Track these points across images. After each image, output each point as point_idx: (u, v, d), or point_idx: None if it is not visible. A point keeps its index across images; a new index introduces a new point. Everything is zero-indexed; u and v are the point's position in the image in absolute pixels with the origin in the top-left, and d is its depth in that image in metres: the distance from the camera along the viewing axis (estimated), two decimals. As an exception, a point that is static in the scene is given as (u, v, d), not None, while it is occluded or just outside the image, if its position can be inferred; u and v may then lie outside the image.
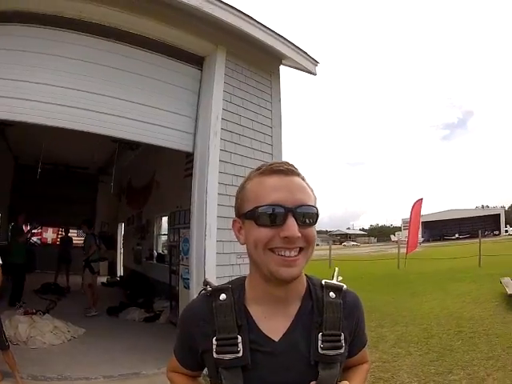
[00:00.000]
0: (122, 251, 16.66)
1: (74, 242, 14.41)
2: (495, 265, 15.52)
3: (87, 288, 9.47)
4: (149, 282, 11.56)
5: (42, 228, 15.21)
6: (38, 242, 16.14)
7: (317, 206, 1.19)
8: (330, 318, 1.22)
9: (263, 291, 1.21)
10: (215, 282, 4.54)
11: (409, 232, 23.76)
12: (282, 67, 7.48)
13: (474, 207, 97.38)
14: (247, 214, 1.16)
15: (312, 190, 1.21)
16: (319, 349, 1.17)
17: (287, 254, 1.10)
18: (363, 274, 16.51)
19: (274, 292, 1.19)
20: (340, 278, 1.38)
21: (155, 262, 11.82)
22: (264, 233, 1.10)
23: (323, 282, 1.31)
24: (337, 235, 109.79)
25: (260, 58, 6.94)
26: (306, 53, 7.26)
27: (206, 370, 1.32)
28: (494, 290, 10.41)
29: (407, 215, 26.49)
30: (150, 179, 12.30)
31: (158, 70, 5.98)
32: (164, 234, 12.18)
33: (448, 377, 5.30)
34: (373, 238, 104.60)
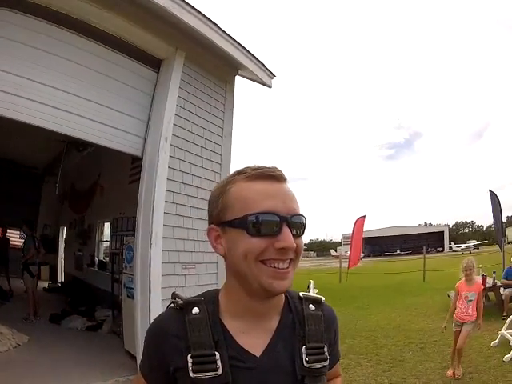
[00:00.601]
0: (63, 256, 16.07)
1: (12, 243, 13.90)
2: (439, 279, 16.04)
3: (30, 293, 9.11)
4: (90, 289, 11.24)
5: None
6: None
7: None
8: (313, 331, 1.16)
9: (243, 305, 1.12)
10: (160, 293, 4.37)
11: (351, 247, 24.35)
12: (238, 78, 7.48)
13: (416, 224, 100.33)
14: (234, 222, 1.05)
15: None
16: (304, 362, 1.10)
17: (280, 265, 1.03)
18: (304, 289, 16.64)
19: (255, 306, 1.11)
20: (316, 290, 1.32)
21: (97, 269, 11.48)
22: (257, 243, 1.01)
23: (301, 295, 1.25)
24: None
25: (217, 66, 6.91)
26: (263, 64, 7.29)
27: None
28: (441, 303, 10.74)
29: (347, 231, 27.17)
30: (94, 183, 11.95)
31: (114, 68, 5.77)
32: (106, 241, 11.87)
33: None
34: (312, 253, 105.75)
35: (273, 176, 1.07)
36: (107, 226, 11.52)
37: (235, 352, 1.07)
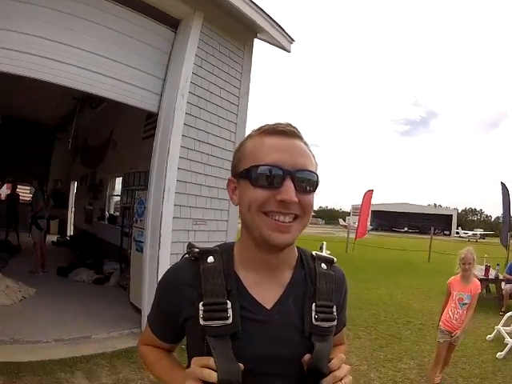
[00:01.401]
0: (73, 210, 16.36)
1: (22, 198, 14.07)
2: (444, 262, 16.09)
3: (37, 247, 9.24)
4: (99, 242, 11.42)
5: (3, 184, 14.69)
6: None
7: (317, 173, 1.13)
8: (324, 289, 1.17)
9: (254, 257, 1.15)
10: (169, 247, 4.49)
11: (359, 219, 24.37)
12: (256, 41, 7.42)
13: (425, 204, 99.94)
14: (242, 173, 1.10)
15: (314, 157, 1.15)
16: (313, 320, 1.12)
17: (281, 219, 1.05)
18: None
19: (266, 258, 1.14)
20: (328, 252, 1.38)
21: (106, 222, 11.63)
22: (259, 194, 1.05)
23: (314, 254, 1.27)
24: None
25: (236, 28, 6.86)
26: (282, 28, 7.21)
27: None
28: (443, 286, 10.70)
29: (357, 201, 27.10)
30: (107, 138, 12.00)
31: (132, 26, 5.75)
32: (117, 195, 11.97)
33: (398, 364, 5.49)
34: (321, 220, 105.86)
35: (284, 131, 1.09)
36: (119, 180, 11.62)
37: (247, 303, 1.10)
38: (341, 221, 71.05)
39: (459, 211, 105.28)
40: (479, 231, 64.03)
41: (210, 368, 0.97)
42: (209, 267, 1.11)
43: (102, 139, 12.47)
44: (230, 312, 1.05)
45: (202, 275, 1.10)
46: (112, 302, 7.19)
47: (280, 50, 7.64)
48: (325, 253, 1.32)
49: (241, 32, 7.01)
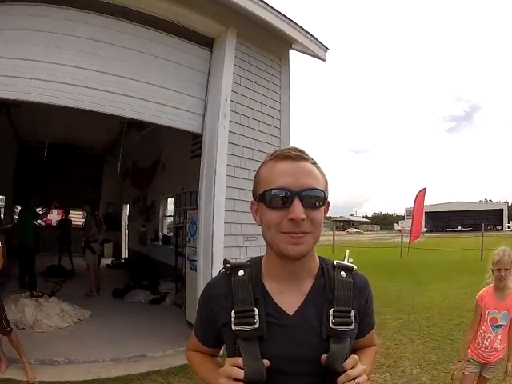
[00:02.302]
0: (126, 233, 16.67)
1: (74, 223, 14.43)
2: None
3: (92, 270, 9.45)
4: (154, 263, 11.60)
5: (49, 209, 15.29)
6: (43, 223, 16.07)
7: (326, 189, 1.26)
8: (341, 295, 1.27)
9: (278, 268, 1.26)
10: (222, 264, 4.57)
11: (412, 221, 23.83)
12: (291, 52, 7.45)
13: (477, 201, 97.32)
14: (259, 197, 1.23)
15: (323, 174, 1.27)
16: (330, 324, 1.22)
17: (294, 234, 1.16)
18: (366, 261, 16.59)
19: (287, 268, 1.25)
20: (351, 260, 1.43)
21: (160, 243, 11.81)
22: (274, 215, 1.17)
23: (335, 263, 1.36)
24: (340, 221, 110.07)
25: (270, 42, 6.90)
26: (315, 38, 7.22)
27: (223, 350, 1.38)
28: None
29: (410, 204, 26.56)
30: (156, 160, 12.25)
31: (168, 50, 5.94)
32: (169, 216, 12.21)
33: (449, 366, 5.31)
34: (376, 226, 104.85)
35: (290, 156, 1.21)
36: (170, 201, 11.87)
37: (271, 309, 1.23)
38: (395, 225, 70.07)
39: (509, 204, 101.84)
40: (531, 223, 61.84)
41: (238, 366, 1.12)
42: (239, 280, 1.27)
43: (150, 161, 12.73)
44: (257, 318, 1.20)
45: (233, 287, 1.26)
46: (168, 320, 7.29)
47: (315, 59, 7.63)
48: (347, 261, 1.42)
49: (275, 45, 7.05)
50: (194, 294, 6.28)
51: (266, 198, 1.19)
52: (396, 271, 14.66)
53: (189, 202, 9.27)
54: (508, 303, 3.48)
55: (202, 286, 5.83)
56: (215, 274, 4.88)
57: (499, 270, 3.46)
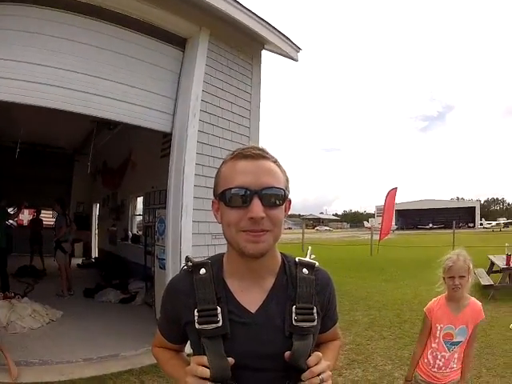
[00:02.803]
0: (96, 232, 16.53)
1: (45, 223, 14.26)
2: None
3: (63, 270, 9.36)
4: (124, 263, 11.54)
5: (20, 209, 15.07)
6: (15, 223, 15.81)
7: (287, 187, 1.27)
8: (303, 293, 1.28)
9: (239, 266, 1.28)
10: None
11: (382, 219, 24.14)
12: (263, 52, 7.49)
13: (449, 198, 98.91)
14: (219, 196, 1.24)
15: (284, 172, 1.28)
16: (293, 321, 1.24)
17: (253, 232, 1.17)
18: (337, 259, 16.72)
19: (248, 266, 1.26)
20: (313, 256, 1.45)
21: (130, 242, 11.77)
22: (234, 214, 1.18)
23: (297, 260, 1.38)
24: (310, 219, 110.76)
25: (242, 42, 6.94)
26: (288, 38, 7.28)
27: (188, 348, 1.41)
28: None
29: (381, 202, 26.91)
30: (126, 159, 12.17)
31: (140, 49, 5.91)
32: (139, 215, 12.13)
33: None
34: (346, 224, 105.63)
35: (250, 155, 1.22)
36: (140, 200, 11.78)
37: (234, 307, 1.25)
38: (365, 223, 70.68)
39: (482, 202, 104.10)
40: (502, 220, 63.06)
41: (203, 365, 1.14)
42: (201, 278, 1.28)
43: (121, 160, 12.64)
44: (219, 316, 1.21)
45: (195, 285, 1.27)
46: (139, 319, 7.28)
47: (288, 59, 7.69)
48: (309, 258, 1.43)
49: (248, 45, 7.09)
50: (163, 292, 6.24)
51: (225, 197, 1.20)
52: (366, 268, 14.83)
53: (158, 200, 9.28)
54: (466, 316, 2.93)
55: (170, 285, 5.87)
56: (183, 272, 4.79)
57: (452, 277, 2.99)
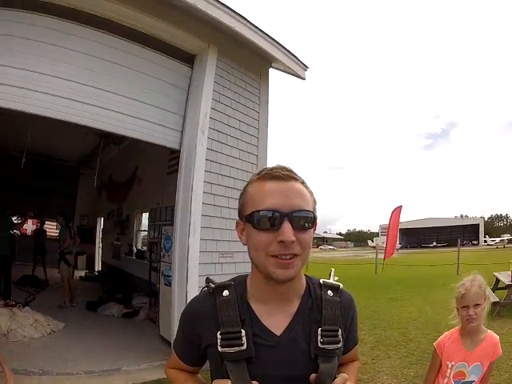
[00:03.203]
0: (100, 246, 16.51)
1: (49, 234, 14.29)
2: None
3: (66, 282, 9.34)
4: (128, 277, 11.50)
5: (25, 219, 15.04)
6: (18, 233, 15.80)
7: (315, 209, 1.25)
8: (329, 315, 1.26)
9: (265, 289, 1.25)
10: (197, 280, 4.59)
11: (387, 238, 24.02)
12: (271, 70, 7.53)
13: (452, 216, 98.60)
14: (246, 218, 1.21)
15: (311, 194, 1.26)
16: (319, 343, 1.22)
17: (283, 256, 1.14)
18: (341, 278, 16.59)
19: (274, 290, 1.24)
20: (336, 278, 1.44)
21: (134, 257, 11.72)
22: (262, 237, 1.15)
23: (321, 281, 1.36)
24: (314, 238, 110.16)
25: (250, 60, 6.98)
26: (296, 57, 7.32)
27: (205, 366, 1.38)
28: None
29: (385, 221, 26.81)
30: (132, 174, 12.20)
31: (149, 64, 5.95)
32: (144, 230, 12.11)
33: None
34: (350, 243, 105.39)
35: (279, 176, 1.19)
36: (145, 216, 11.76)
37: (259, 330, 1.22)
38: (369, 242, 70.44)
39: (486, 219, 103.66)
40: (506, 236, 62.57)
41: None
42: (224, 300, 1.25)
43: (127, 175, 12.67)
44: (244, 339, 1.18)
45: (218, 307, 1.24)
46: (142, 335, 7.25)
47: (295, 77, 7.72)
48: (332, 279, 1.42)
49: (255, 63, 7.13)
50: (168, 309, 6.25)
51: (253, 219, 1.17)
52: (371, 287, 14.67)
53: (164, 217, 9.27)
54: (482, 352, 2.57)
55: (176, 302, 5.87)
56: (190, 290, 4.87)
57: (466, 307, 2.56)
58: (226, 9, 5.89)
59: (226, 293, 1.26)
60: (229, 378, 1.14)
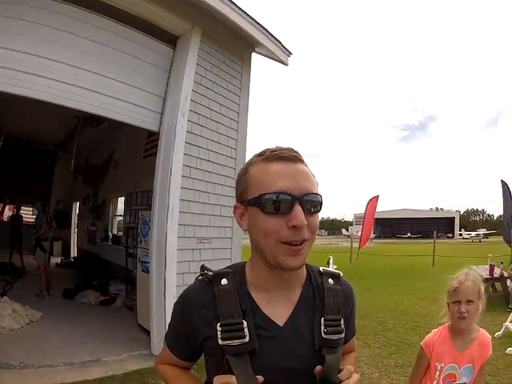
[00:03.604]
0: (76, 231, 16.36)
1: (25, 219, 14.17)
2: (448, 265, 16.08)
3: (42, 269, 9.21)
4: (103, 263, 11.42)
5: (3, 207, 14.70)
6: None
7: (320, 193, 1.18)
8: (331, 304, 1.23)
9: (265, 277, 1.20)
10: (175, 267, 4.50)
11: (362, 227, 24.38)
12: (254, 55, 7.46)
13: (428, 208, 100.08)
14: (252, 201, 1.14)
15: (314, 177, 1.20)
16: (322, 333, 1.17)
17: (294, 243, 1.09)
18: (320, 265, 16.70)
19: (277, 278, 1.19)
20: (335, 266, 1.36)
21: (110, 243, 11.63)
22: (272, 222, 1.09)
23: (321, 269, 1.32)
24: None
25: (234, 43, 6.89)
26: (280, 42, 7.25)
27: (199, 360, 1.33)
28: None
29: (360, 210, 27.19)
30: (109, 158, 12.06)
31: (130, 44, 5.76)
32: (120, 215, 12.00)
33: (409, 370, 5.39)
34: (323, 231, 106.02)
35: (287, 157, 1.14)
36: (121, 200, 11.61)
37: (261, 321, 1.16)
38: (344, 231, 71.00)
39: (461, 213, 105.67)
40: (482, 231, 63.70)
41: None
42: (223, 289, 1.18)
43: (103, 158, 12.54)
44: (246, 331, 1.12)
45: (217, 297, 1.16)
46: (120, 323, 7.18)
47: (278, 63, 7.65)
48: (331, 267, 1.38)
49: (239, 47, 7.04)
50: (145, 296, 6.19)
51: (261, 202, 1.10)
52: (346, 276, 14.65)
53: (140, 201, 9.16)
54: (473, 353, 2.40)
55: (154, 289, 5.82)
56: (169, 276, 4.79)
57: (458, 302, 2.38)
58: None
59: (224, 281, 1.19)
60: (231, 373, 1.07)
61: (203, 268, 1.26)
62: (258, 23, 6.68)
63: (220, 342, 1.11)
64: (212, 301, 1.17)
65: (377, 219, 57.08)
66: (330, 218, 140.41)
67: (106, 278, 10.24)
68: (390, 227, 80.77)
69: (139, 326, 6.77)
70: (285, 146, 1.20)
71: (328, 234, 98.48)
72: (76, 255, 15.49)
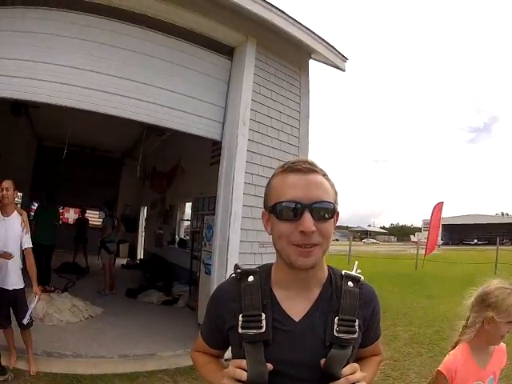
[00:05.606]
0: (143, 234, 16.85)
1: (91, 223, 14.71)
2: (511, 272, 15.46)
3: (107, 269, 9.56)
4: (169, 266, 11.71)
5: (63, 208, 15.36)
6: (59, 221, 16.16)
7: (336, 200, 1.30)
8: (347, 305, 1.31)
9: (287, 276, 1.31)
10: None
11: (428, 234, 23.51)
12: (311, 61, 7.50)
13: (493, 214, 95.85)
14: (271, 208, 1.27)
15: (332, 186, 1.31)
16: (334, 331, 1.26)
17: (304, 246, 1.21)
18: (381, 273, 16.47)
19: (296, 277, 1.30)
20: (359, 271, 1.49)
21: (177, 246, 11.95)
22: (285, 227, 1.22)
23: (343, 272, 1.40)
24: (357, 231, 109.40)
25: (289, 52, 6.97)
26: (335, 48, 7.27)
27: (228, 355, 1.44)
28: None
29: (428, 216, 26.23)
30: (175, 165, 12.38)
31: (189, 58, 6.07)
32: (187, 220, 12.31)
33: None
34: (393, 237, 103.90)
35: (300, 169, 1.25)
36: (188, 205, 11.96)
37: (278, 315, 1.28)
38: (412, 237, 69.20)
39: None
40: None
41: (242, 368, 1.20)
42: (248, 285, 1.32)
43: (170, 165, 12.90)
44: (263, 322, 1.25)
45: (242, 292, 1.31)
46: (179, 322, 7.31)
47: (335, 69, 7.67)
48: (355, 272, 1.46)
49: (295, 55, 7.11)
50: (206, 297, 6.29)
51: (276, 210, 1.23)
52: (410, 283, 14.49)
53: (206, 207, 9.34)
54: (493, 364, 2.24)
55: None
56: (229, 278, 4.76)
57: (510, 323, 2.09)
58: (262, 2, 5.92)
59: (250, 278, 1.33)
60: (245, 359, 1.22)
61: (236, 267, 1.39)
62: (310, 31, 6.75)
63: (240, 330, 1.26)
64: (238, 295, 1.31)
65: (444, 225, 55.25)
66: (400, 224, 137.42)
67: (170, 280, 10.47)
68: (457, 233, 78.02)
69: (199, 325, 6.64)
70: (304, 158, 1.32)
71: (397, 240, 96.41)
72: (142, 257, 15.90)
